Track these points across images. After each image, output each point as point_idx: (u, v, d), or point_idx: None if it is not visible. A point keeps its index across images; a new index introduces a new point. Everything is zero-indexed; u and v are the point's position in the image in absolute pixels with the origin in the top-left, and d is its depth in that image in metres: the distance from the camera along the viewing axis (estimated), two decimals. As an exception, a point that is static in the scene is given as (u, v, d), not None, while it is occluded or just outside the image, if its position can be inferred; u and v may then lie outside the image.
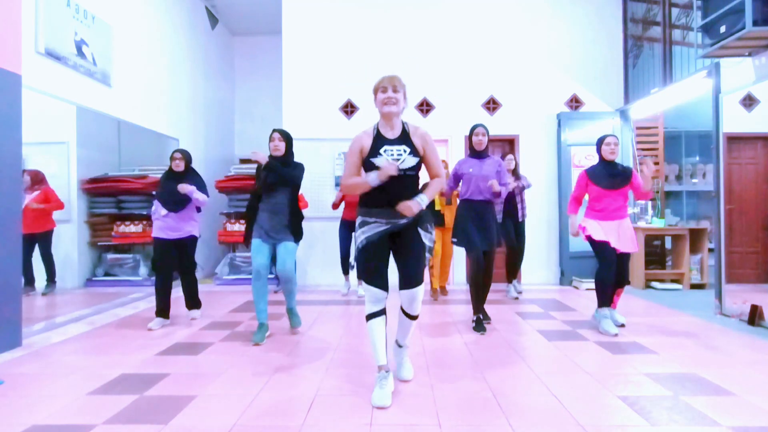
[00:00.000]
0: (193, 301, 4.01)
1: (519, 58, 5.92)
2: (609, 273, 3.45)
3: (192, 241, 3.85)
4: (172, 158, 3.79)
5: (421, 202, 2.26)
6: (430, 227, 2.38)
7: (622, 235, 3.49)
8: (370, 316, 2.34)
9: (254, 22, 7.37)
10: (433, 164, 2.39)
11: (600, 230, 3.51)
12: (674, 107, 5.25)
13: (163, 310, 3.77)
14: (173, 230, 3.73)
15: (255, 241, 3.33)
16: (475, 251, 3.49)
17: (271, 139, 3.35)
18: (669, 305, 4.45)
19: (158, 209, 3.74)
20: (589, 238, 3.53)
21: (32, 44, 3.78)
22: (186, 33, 6.33)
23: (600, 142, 3.63)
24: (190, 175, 3.84)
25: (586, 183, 3.62)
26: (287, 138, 3.38)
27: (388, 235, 2.33)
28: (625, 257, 3.55)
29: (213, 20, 7.14)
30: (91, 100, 4.47)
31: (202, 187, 3.85)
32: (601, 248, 3.48)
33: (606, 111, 5.82)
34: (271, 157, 3.32)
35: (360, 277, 2.42)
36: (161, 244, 3.74)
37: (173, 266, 3.84)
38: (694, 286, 5.40)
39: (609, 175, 3.52)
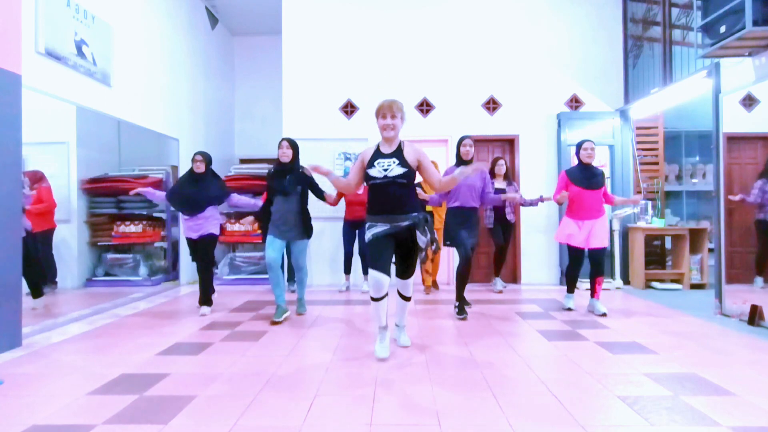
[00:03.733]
0: (205, 297, 4.14)
1: (519, 58, 5.92)
2: (576, 270, 4.15)
3: (211, 239, 4.06)
4: (193, 160, 4.03)
5: (464, 170, 2.81)
6: (427, 229, 2.80)
7: (595, 234, 3.97)
8: (375, 300, 2.87)
9: (254, 22, 7.37)
10: (430, 171, 2.89)
11: (576, 233, 4.01)
12: (674, 107, 5.25)
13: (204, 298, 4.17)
14: (194, 230, 4.01)
15: (269, 237, 3.78)
16: (464, 249, 3.88)
17: (279, 146, 3.79)
18: (669, 305, 4.45)
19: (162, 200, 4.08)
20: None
21: (32, 44, 3.77)
22: (186, 33, 6.33)
23: (578, 147, 4.07)
24: (209, 176, 4.05)
25: (566, 183, 4.05)
26: (294, 146, 3.82)
27: (392, 237, 2.81)
28: (599, 251, 4.01)
29: (213, 20, 7.14)
30: (91, 100, 4.47)
31: (222, 188, 4.11)
32: (572, 250, 4.11)
33: (606, 111, 5.82)
34: (280, 163, 3.78)
35: (368, 265, 2.91)
36: (189, 241, 4.11)
37: None
38: (694, 286, 5.40)
39: (587, 177, 4.00)
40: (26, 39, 3.63)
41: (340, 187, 2.97)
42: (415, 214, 2.79)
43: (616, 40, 5.90)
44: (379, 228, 2.79)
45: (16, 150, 3.19)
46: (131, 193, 4.07)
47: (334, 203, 5.02)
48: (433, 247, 2.89)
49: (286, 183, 3.72)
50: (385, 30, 5.93)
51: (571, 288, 4.27)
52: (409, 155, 2.81)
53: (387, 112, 2.81)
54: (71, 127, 4.57)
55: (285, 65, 5.95)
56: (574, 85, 5.91)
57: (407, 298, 3.05)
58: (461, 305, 3.98)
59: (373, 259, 2.79)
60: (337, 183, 2.93)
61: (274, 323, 3.73)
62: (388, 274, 2.81)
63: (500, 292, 5.23)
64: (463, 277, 3.96)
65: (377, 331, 2.96)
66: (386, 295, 2.86)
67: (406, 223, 2.77)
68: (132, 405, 2.19)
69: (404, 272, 2.93)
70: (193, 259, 4.26)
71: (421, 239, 2.76)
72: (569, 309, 4.21)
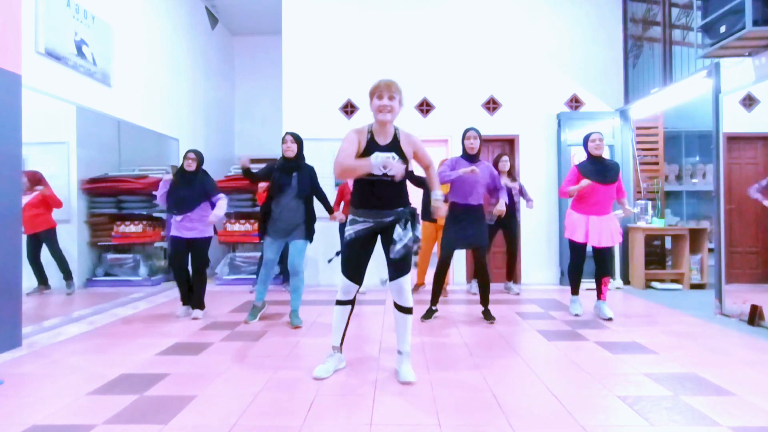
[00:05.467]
0: (198, 300, 4.04)
1: (519, 58, 5.92)
2: (580, 265, 3.93)
3: (206, 240, 3.96)
4: (185, 157, 3.90)
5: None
6: (410, 226, 2.47)
7: (605, 230, 3.77)
8: (339, 303, 2.57)
9: (254, 22, 7.37)
10: (423, 156, 2.58)
11: (581, 227, 3.82)
12: (674, 107, 5.24)
13: (186, 297, 4.02)
14: (188, 229, 3.86)
15: (267, 239, 3.64)
16: (447, 250, 3.74)
17: (283, 141, 3.61)
18: (669, 305, 4.45)
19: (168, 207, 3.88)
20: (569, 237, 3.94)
21: (32, 44, 3.78)
22: (186, 33, 6.33)
23: (586, 140, 3.87)
24: (200, 175, 3.94)
25: (578, 178, 3.81)
26: (298, 140, 3.64)
27: (375, 233, 2.52)
28: (605, 250, 3.84)
29: (213, 20, 7.14)
30: (91, 100, 4.47)
31: (213, 188, 3.96)
32: (574, 246, 3.92)
33: (606, 111, 5.82)
34: (285, 159, 3.60)
35: (342, 269, 2.55)
36: (176, 241, 3.89)
37: (187, 262, 3.97)
38: (694, 286, 5.40)
39: (599, 171, 3.77)
40: (26, 39, 3.63)
41: (350, 169, 2.38)
42: (401, 209, 2.48)
43: (616, 40, 5.90)
44: (362, 225, 2.48)
45: (16, 150, 3.19)
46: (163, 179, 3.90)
47: (335, 209, 4.97)
48: (415, 248, 2.53)
49: (294, 181, 3.55)
50: (385, 30, 5.93)
51: (575, 289, 4.05)
52: (406, 148, 2.49)
53: (384, 91, 2.43)
54: (71, 127, 4.56)
55: (285, 65, 5.95)
56: (574, 85, 5.90)
57: (407, 310, 2.52)
58: (430, 309, 3.87)
59: (348, 266, 2.49)
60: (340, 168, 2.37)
61: (246, 323, 3.72)
62: (360, 283, 2.53)
63: (517, 294, 5.05)
64: (438, 280, 3.83)
65: (330, 349, 2.64)
66: (352, 301, 2.57)
67: (390, 219, 2.46)
68: (132, 405, 2.18)
69: (397, 269, 2.46)
70: (170, 264, 3.99)
71: (398, 233, 2.42)
72: (577, 315, 3.96)
